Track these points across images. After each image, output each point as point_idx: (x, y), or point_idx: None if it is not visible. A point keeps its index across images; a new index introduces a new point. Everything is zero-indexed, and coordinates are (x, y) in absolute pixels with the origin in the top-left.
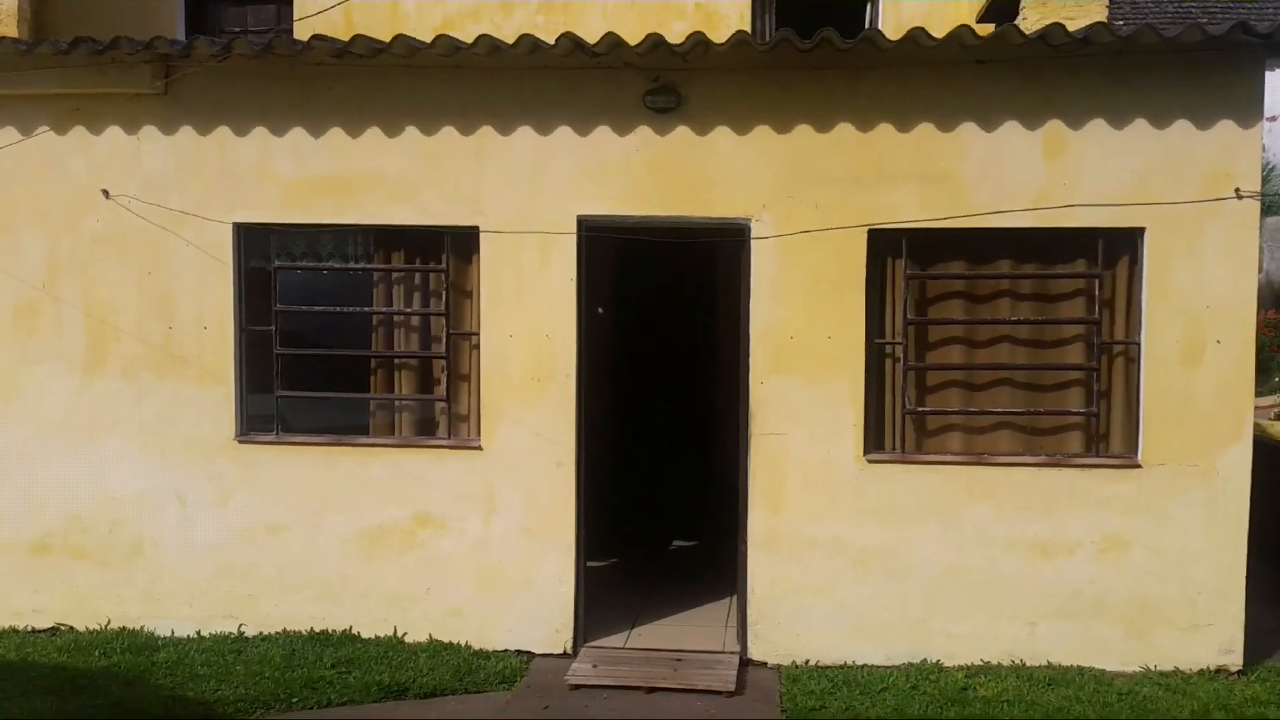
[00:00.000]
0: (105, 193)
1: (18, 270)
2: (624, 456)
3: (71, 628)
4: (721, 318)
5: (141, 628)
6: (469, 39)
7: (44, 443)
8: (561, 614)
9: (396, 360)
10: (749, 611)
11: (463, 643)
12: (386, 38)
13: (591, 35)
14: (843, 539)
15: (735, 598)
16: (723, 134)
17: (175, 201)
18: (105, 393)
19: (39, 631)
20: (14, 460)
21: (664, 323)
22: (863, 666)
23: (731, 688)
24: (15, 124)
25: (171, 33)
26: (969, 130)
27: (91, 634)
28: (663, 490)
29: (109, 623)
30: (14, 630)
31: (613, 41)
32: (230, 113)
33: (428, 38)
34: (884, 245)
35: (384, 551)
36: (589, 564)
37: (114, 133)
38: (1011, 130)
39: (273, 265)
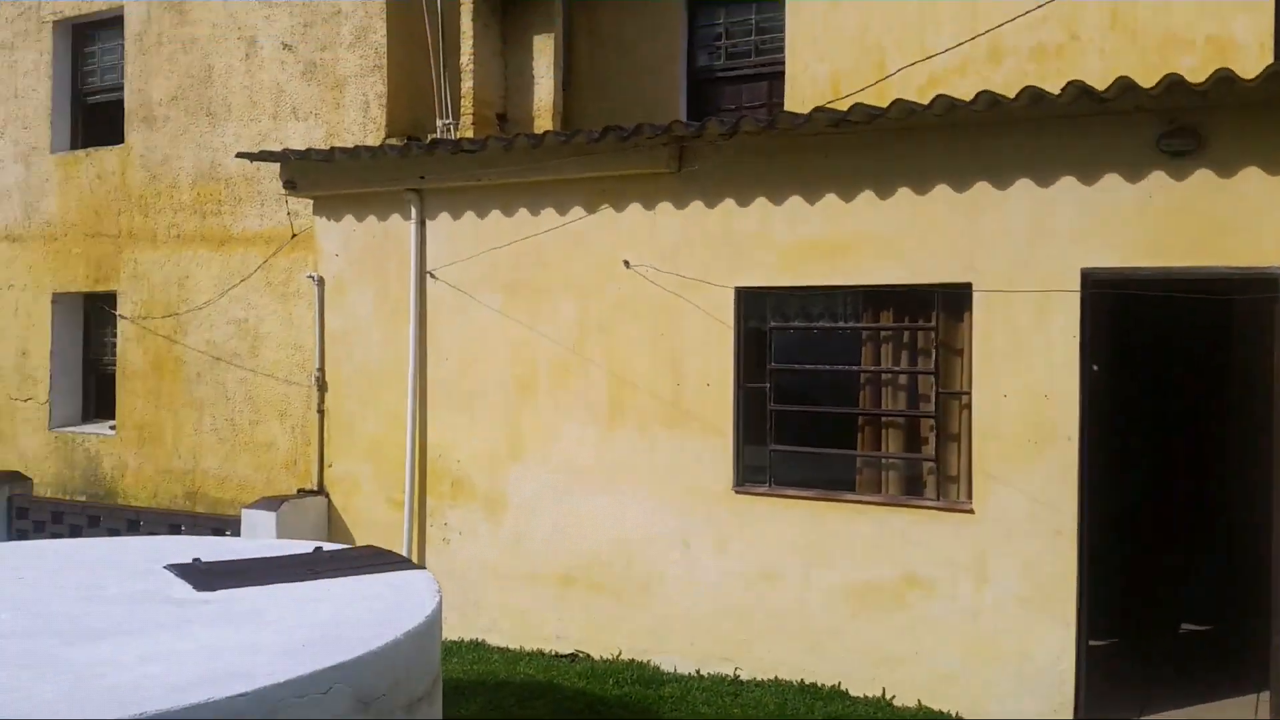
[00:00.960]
0: (626, 263)
1: (555, 333)
2: (1125, 527)
3: (588, 655)
4: (1235, 379)
5: (648, 661)
6: (959, 94)
7: (573, 486)
8: (1060, 691)
9: (884, 418)
10: None
11: (953, 713)
12: (871, 100)
13: (1087, 78)
14: None
15: (1267, 694)
16: (1250, 175)
17: (685, 269)
18: (623, 442)
19: (561, 656)
20: (550, 500)
21: (1164, 383)
22: None
23: None
24: (554, 205)
25: (674, 113)
26: None
27: (605, 663)
28: (1169, 566)
29: (620, 653)
30: (541, 653)
31: (1124, 85)
32: (734, 185)
33: (912, 96)
34: None
35: (871, 609)
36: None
37: (634, 209)
38: None
39: (768, 326)
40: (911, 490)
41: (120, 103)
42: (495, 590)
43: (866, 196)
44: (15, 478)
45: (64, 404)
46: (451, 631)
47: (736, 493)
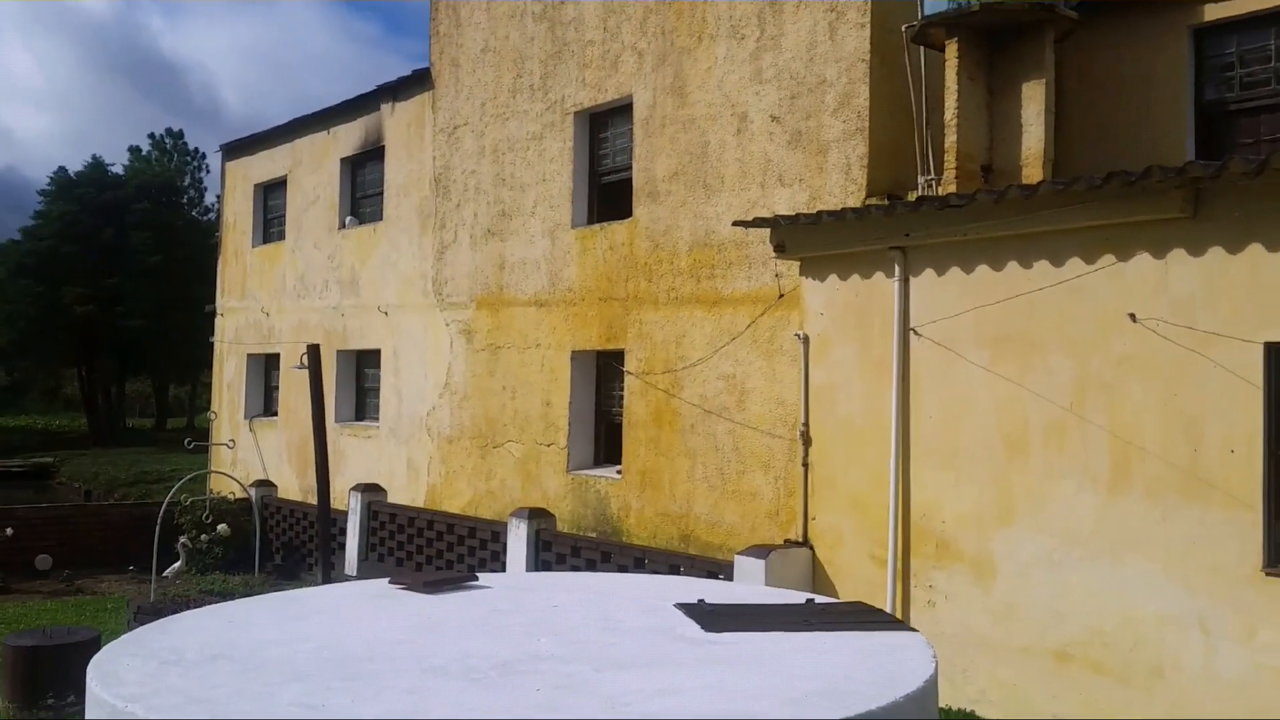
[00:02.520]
0: (1132, 316)
1: (1048, 390)
2: None
3: None
4: None
5: None
6: None
7: (1070, 554)
8: None
9: None
10: None
11: None
12: None
13: None
14: None
15: None
16: None
17: (1202, 322)
18: (1128, 511)
19: None
20: (1044, 568)
21: None
22: None
23: None
24: (1048, 257)
25: (1179, 152)
26: None
27: None
28: None
29: None
30: None
31: None
32: (1261, 228)
33: None
34: None
35: None
36: None
37: (1141, 258)
38: None
39: None
40: None
41: (629, 181)
42: (984, 659)
43: None
44: (541, 514)
45: (579, 449)
46: (940, 698)
47: (1267, 574)
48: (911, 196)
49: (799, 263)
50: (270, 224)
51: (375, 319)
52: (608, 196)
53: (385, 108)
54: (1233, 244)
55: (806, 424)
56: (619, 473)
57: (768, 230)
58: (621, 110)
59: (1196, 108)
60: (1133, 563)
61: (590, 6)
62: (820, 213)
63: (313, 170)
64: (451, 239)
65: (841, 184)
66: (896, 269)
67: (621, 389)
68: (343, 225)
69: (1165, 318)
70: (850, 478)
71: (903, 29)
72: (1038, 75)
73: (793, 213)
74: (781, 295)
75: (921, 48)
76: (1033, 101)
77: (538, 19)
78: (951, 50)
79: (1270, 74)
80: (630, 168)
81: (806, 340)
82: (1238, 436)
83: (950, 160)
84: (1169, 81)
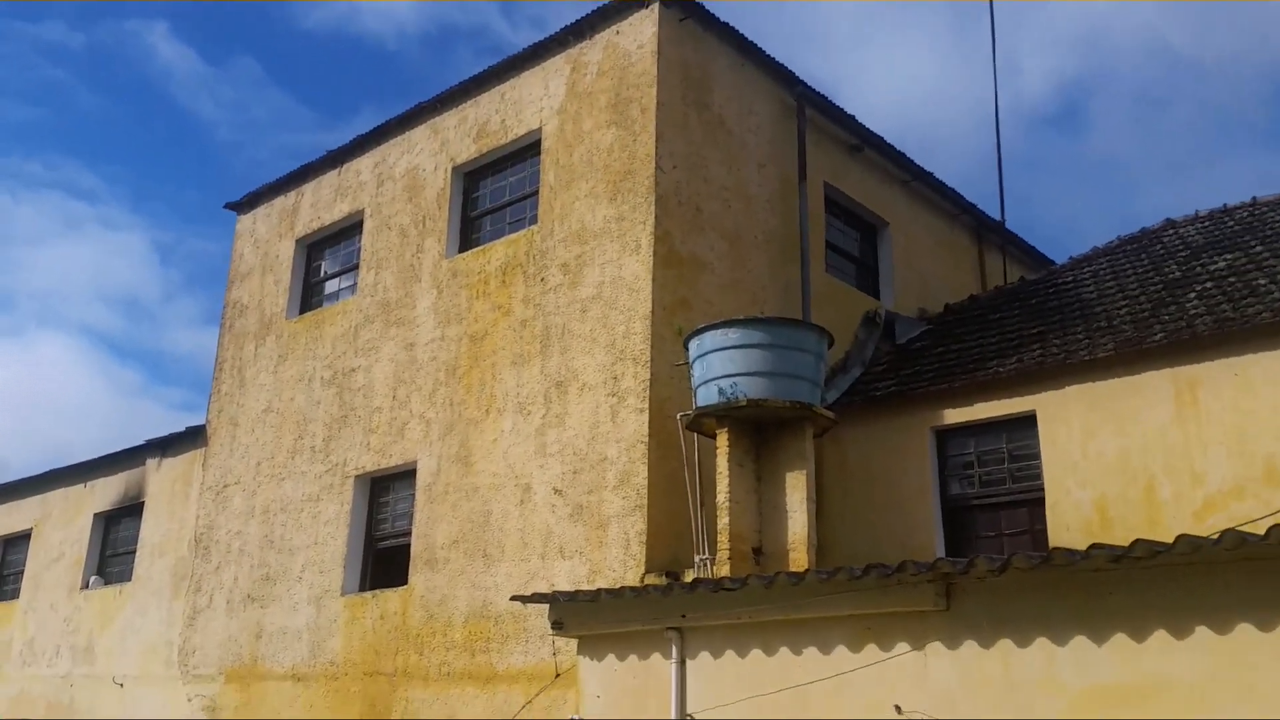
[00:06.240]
0: (897, 708)
1: None
2: None
3: None
4: None
5: None
6: (1234, 519)
7: None
8: None
9: None
10: None
11: None
12: (1144, 525)
13: None
14: None
15: None
16: None
17: (963, 716)
18: None
19: None
20: None
21: None
22: None
23: None
24: (816, 644)
25: (929, 542)
26: None
27: None
28: None
29: None
30: None
31: None
32: (1010, 624)
33: (1187, 521)
34: None
35: None
36: None
37: (902, 649)
38: None
39: None
40: None
41: (407, 547)
42: None
43: (1159, 636)
44: None
45: None
46: None
47: None
48: (688, 576)
49: (577, 640)
50: (5, 580)
51: (108, 692)
52: (383, 563)
53: (151, 462)
54: (985, 638)
55: None
56: None
57: (547, 605)
58: (404, 475)
59: (942, 502)
60: None
61: (380, 376)
62: (599, 590)
63: (62, 525)
64: (206, 603)
65: (621, 559)
66: (674, 650)
67: None
68: (85, 585)
69: (928, 712)
70: None
71: (678, 416)
72: (800, 466)
73: (572, 588)
74: (558, 674)
75: (695, 434)
76: (796, 490)
77: (326, 384)
78: (722, 439)
79: (1006, 474)
80: (410, 533)
81: None
82: None
83: (723, 541)
84: (917, 477)
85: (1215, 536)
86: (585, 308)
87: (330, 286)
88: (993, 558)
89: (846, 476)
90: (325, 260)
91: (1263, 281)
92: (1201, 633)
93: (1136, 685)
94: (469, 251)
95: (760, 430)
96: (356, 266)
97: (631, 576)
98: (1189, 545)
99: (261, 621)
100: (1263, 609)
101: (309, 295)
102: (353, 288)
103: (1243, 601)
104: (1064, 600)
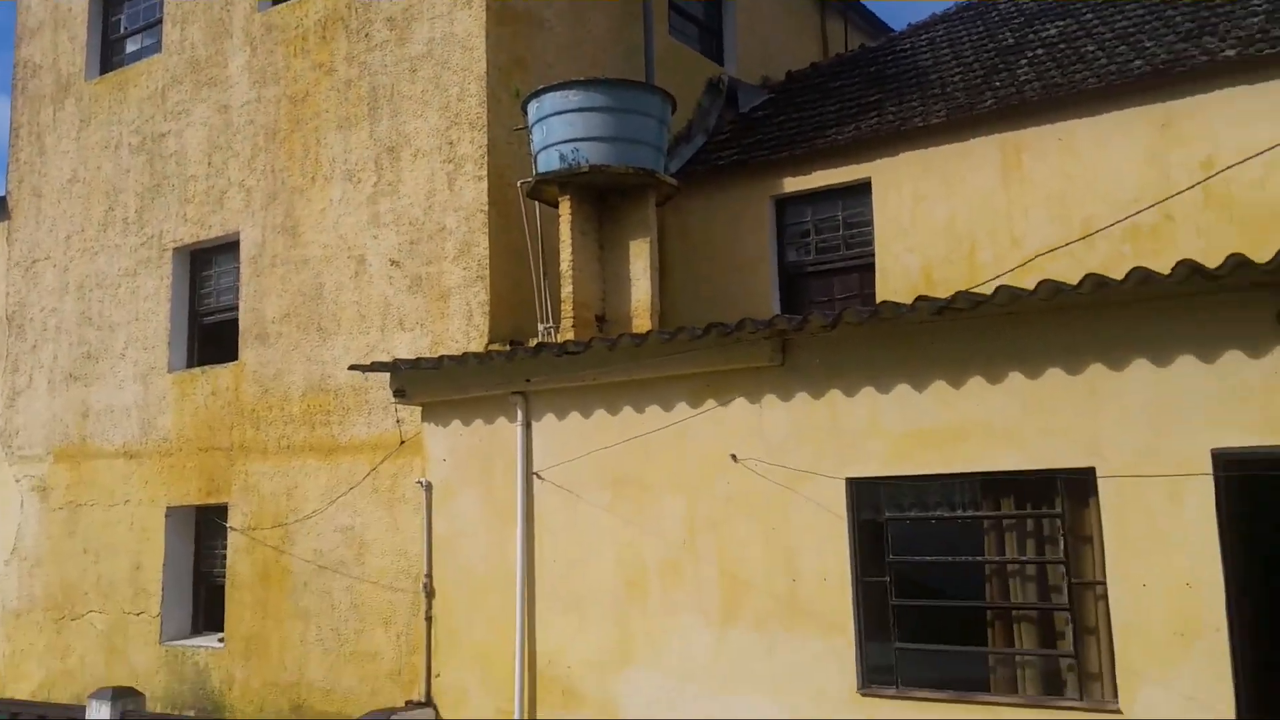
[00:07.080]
0: (734, 457)
1: (664, 531)
2: None
3: None
4: None
5: None
6: (1054, 276)
7: (686, 690)
8: None
9: (1014, 611)
10: None
11: None
12: (964, 287)
13: (1186, 255)
14: None
15: None
16: None
17: (794, 461)
18: (739, 644)
19: None
20: (663, 707)
21: None
22: None
23: None
24: (659, 402)
25: (767, 307)
26: None
27: None
28: None
29: None
30: None
31: (1237, 262)
32: (840, 376)
33: (1007, 281)
34: None
35: None
36: None
37: (740, 403)
38: None
39: (884, 517)
40: (1051, 689)
41: (235, 322)
42: None
43: (977, 382)
44: (127, 693)
45: (175, 617)
46: None
47: (862, 695)
48: (532, 343)
49: (421, 408)
50: None
51: None
52: (211, 338)
53: None
54: (816, 390)
55: (430, 575)
56: (221, 641)
57: (388, 375)
58: (227, 248)
59: (779, 269)
60: (743, 694)
61: (193, 141)
62: (442, 357)
63: None
64: (26, 384)
65: (464, 330)
66: (519, 414)
67: (224, 547)
68: None
69: (762, 458)
70: (475, 629)
71: (518, 184)
72: (643, 234)
73: (414, 357)
74: (403, 442)
75: (537, 203)
76: (639, 258)
77: (135, 151)
78: (565, 207)
79: (840, 241)
80: (237, 308)
81: (429, 488)
82: (829, 566)
83: (567, 309)
84: (757, 244)
85: (1032, 289)
86: (415, 66)
87: (132, 45)
88: (826, 314)
89: (688, 246)
90: (124, 15)
91: (1091, 49)
92: (1014, 378)
93: (953, 427)
94: (284, 4)
95: (603, 198)
96: (160, 21)
97: (475, 347)
98: (1008, 295)
99: (87, 400)
100: (1071, 355)
101: (109, 54)
102: (157, 45)
103: (1054, 347)
104: (890, 353)
